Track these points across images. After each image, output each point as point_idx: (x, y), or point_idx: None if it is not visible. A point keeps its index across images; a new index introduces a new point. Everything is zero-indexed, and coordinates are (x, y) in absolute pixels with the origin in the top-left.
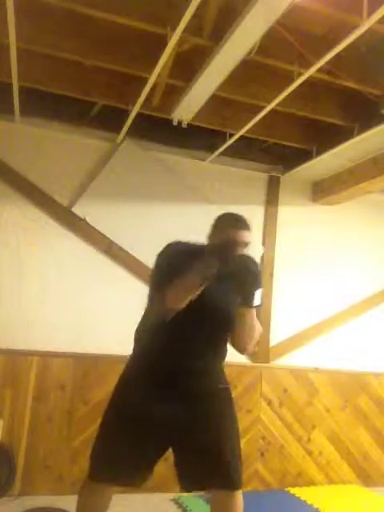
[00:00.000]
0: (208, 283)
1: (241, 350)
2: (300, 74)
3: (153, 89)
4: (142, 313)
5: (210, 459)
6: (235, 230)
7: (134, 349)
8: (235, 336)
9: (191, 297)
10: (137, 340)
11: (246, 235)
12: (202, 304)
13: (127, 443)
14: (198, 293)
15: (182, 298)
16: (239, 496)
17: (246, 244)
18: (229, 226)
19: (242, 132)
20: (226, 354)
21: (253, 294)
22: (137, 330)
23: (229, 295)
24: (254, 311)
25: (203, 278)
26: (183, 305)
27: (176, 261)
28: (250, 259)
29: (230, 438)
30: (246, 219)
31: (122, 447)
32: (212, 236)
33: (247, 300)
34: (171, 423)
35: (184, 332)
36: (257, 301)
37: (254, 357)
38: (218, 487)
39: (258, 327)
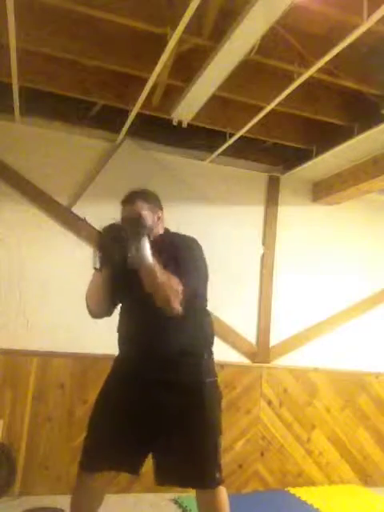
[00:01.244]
0: (104, 270)
1: (167, 311)
2: (300, 74)
3: (153, 89)
4: None
5: (181, 457)
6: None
7: None
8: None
9: (99, 292)
10: None
11: (127, 210)
12: (130, 291)
13: (107, 429)
14: (104, 285)
15: (90, 300)
16: (219, 493)
17: (130, 219)
18: (122, 201)
19: (242, 132)
20: (192, 334)
21: (131, 253)
22: None
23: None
24: (146, 268)
25: (100, 270)
26: (95, 306)
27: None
28: (110, 228)
29: (203, 436)
30: (133, 192)
31: (103, 433)
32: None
33: (132, 264)
34: (147, 413)
35: (131, 321)
36: (141, 258)
37: (254, 357)
38: (194, 488)
39: (167, 285)
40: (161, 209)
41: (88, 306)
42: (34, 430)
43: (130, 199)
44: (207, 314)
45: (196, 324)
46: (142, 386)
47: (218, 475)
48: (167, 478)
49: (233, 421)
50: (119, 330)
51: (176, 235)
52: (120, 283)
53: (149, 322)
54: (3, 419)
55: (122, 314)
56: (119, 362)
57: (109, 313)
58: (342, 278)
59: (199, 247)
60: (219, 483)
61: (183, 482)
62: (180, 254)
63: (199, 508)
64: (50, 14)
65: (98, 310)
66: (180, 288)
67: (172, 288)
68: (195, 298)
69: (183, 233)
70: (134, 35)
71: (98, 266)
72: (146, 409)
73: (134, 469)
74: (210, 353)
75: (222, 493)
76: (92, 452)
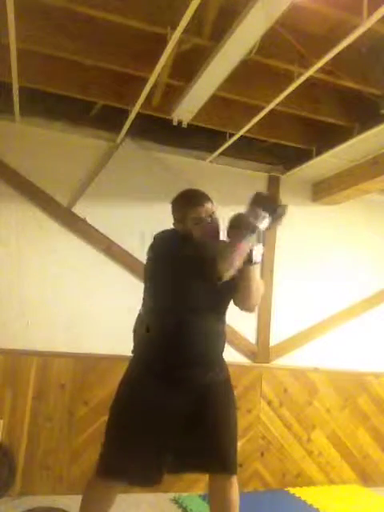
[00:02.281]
0: (253, 236)
1: (247, 306)
2: (300, 74)
3: (153, 89)
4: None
5: (211, 445)
6: (202, 207)
7: (136, 343)
8: (242, 296)
9: (243, 256)
10: (139, 334)
11: (206, 210)
12: (200, 292)
13: (140, 440)
14: (247, 251)
15: (233, 264)
16: (236, 481)
17: (211, 216)
18: (194, 203)
19: (242, 132)
20: (225, 337)
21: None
22: (137, 322)
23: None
24: (256, 267)
25: (252, 230)
26: (232, 272)
27: (177, 252)
28: (239, 216)
29: (230, 426)
30: (201, 192)
31: (136, 444)
32: (178, 221)
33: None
34: (180, 417)
35: (190, 323)
36: (257, 257)
37: (254, 357)
38: (216, 471)
39: (262, 284)
40: None
41: (226, 268)
42: (34, 429)
43: (205, 198)
44: None
45: (224, 326)
46: (187, 391)
47: (237, 463)
48: (191, 464)
49: None
50: (161, 333)
51: None
52: (193, 281)
53: (207, 328)
54: (3, 419)
55: (169, 317)
56: (157, 367)
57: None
58: (342, 278)
59: None
60: (237, 471)
61: (212, 465)
62: None
63: (214, 496)
64: (49, 14)
65: (230, 272)
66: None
67: (259, 291)
68: None
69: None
70: (134, 35)
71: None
72: (186, 414)
73: (156, 483)
74: None
75: (237, 482)
76: (118, 463)
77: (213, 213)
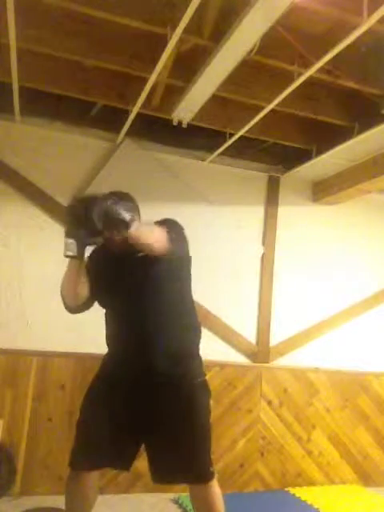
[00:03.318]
0: (77, 258)
1: (152, 250)
2: (300, 74)
3: (153, 89)
4: None
5: (175, 456)
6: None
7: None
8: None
9: (76, 281)
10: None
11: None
12: (115, 288)
13: (95, 428)
14: (81, 274)
15: (65, 293)
16: (212, 487)
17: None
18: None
19: (242, 132)
20: (188, 330)
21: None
22: None
23: (130, 262)
24: (133, 232)
25: (70, 256)
26: (71, 299)
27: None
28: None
29: (193, 432)
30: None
31: (91, 432)
32: None
33: (118, 230)
34: (136, 413)
35: (121, 321)
36: (124, 221)
37: (254, 357)
38: (188, 483)
39: (150, 233)
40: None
41: (64, 299)
42: (34, 429)
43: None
44: (194, 314)
45: (184, 325)
46: (133, 386)
47: (210, 469)
48: (162, 476)
49: (233, 421)
50: (108, 329)
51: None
52: (106, 278)
53: (140, 323)
54: (3, 419)
55: (109, 314)
56: (108, 363)
57: (87, 306)
58: (342, 278)
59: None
60: (212, 477)
61: (178, 478)
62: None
63: (194, 503)
64: (49, 13)
65: (75, 303)
66: (164, 235)
67: (155, 235)
68: (179, 281)
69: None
70: (134, 35)
71: (71, 253)
72: (137, 409)
73: (125, 465)
74: (198, 353)
75: (215, 486)
76: (80, 451)
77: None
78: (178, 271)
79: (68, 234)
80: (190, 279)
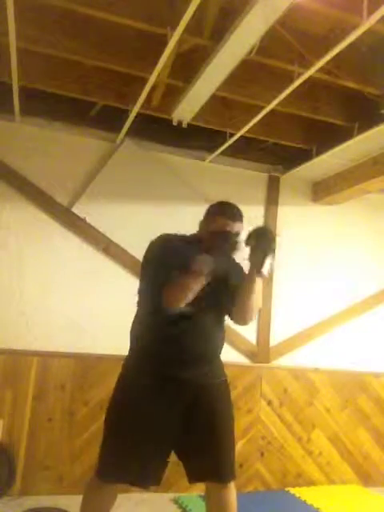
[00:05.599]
0: (209, 280)
1: (245, 321)
2: (300, 74)
3: (153, 89)
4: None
5: (209, 453)
6: (226, 220)
7: (133, 346)
8: (240, 308)
9: (192, 296)
10: (136, 336)
11: (237, 226)
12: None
13: (138, 441)
14: (198, 290)
15: (181, 298)
16: (233, 487)
17: (237, 234)
18: (220, 215)
19: (242, 132)
20: (224, 341)
21: (261, 263)
22: (133, 325)
23: (225, 280)
24: (261, 280)
25: (205, 277)
26: (183, 304)
27: (173, 256)
28: (261, 229)
29: (227, 432)
30: (238, 209)
31: (133, 445)
32: (203, 223)
33: (256, 268)
34: (178, 419)
35: (183, 325)
36: (265, 270)
37: (254, 357)
38: (214, 480)
39: (260, 297)
40: None
41: (172, 302)
42: (34, 429)
43: (238, 216)
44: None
45: (223, 328)
46: (183, 392)
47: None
48: (202, 475)
49: None
50: (158, 335)
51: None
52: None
53: (205, 330)
54: (3, 419)
55: (168, 321)
56: (155, 368)
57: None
58: (342, 278)
59: None
60: (236, 477)
61: (214, 475)
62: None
63: (213, 501)
64: (49, 14)
65: (175, 308)
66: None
67: (258, 306)
68: None
69: (183, 233)
70: (134, 35)
71: (209, 267)
72: (183, 415)
73: (156, 483)
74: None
75: (234, 487)
76: (116, 464)
77: (237, 233)
78: None
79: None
80: None
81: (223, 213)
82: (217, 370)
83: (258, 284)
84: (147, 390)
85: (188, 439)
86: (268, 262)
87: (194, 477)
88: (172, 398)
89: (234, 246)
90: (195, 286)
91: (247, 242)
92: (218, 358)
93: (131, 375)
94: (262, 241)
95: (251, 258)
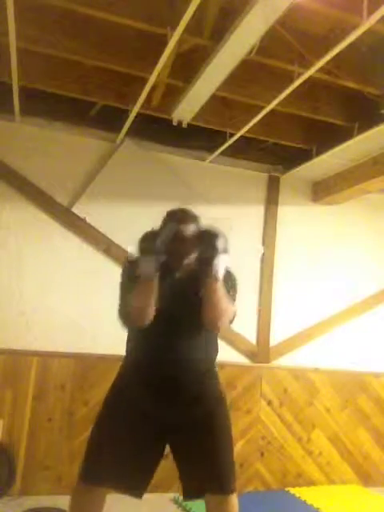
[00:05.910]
0: (155, 277)
1: (212, 325)
2: (300, 74)
3: (153, 89)
4: None
5: (205, 465)
6: (168, 221)
7: (125, 351)
8: (204, 314)
9: (150, 299)
10: (126, 342)
11: (185, 228)
12: (170, 301)
13: (120, 446)
14: (154, 292)
15: (142, 307)
16: (233, 499)
17: (171, 231)
18: (169, 219)
19: (242, 132)
20: (215, 348)
21: (211, 265)
22: (128, 335)
23: (193, 282)
24: (216, 283)
25: (148, 276)
26: (147, 313)
27: (130, 279)
28: (204, 232)
29: (223, 442)
30: (184, 211)
31: (115, 449)
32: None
33: (206, 272)
34: (164, 428)
35: (162, 332)
36: (217, 271)
37: (253, 357)
38: (212, 492)
39: (225, 302)
40: None
41: (133, 317)
42: (33, 430)
43: (190, 219)
44: None
45: (212, 337)
46: (169, 401)
47: (235, 480)
48: (198, 490)
49: (233, 421)
50: (142, 341)
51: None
52: (164, 295)
53: (183, 337)
54: (3, 419)
55: (149, 329)
56: (140, 375)
57: (148, 322)
58: (342, 278)
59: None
60: (236, 488)
61: (213, 489)
62: (228, 280)
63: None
64: (50, 14)
65: (144, 321)
66: (232, 310)
67: (228, 308)
68: None
69: None
70: (134, 35)
71: (150, 272)
72: (170, 424)
73: (140, 493)
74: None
75: (236, 499)
76: (97, 467)
77: (171, 231)
78: None
79: (146, 252)
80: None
81: (167, 215)
82: (206, 377)
83: (215, 287)
84: (133, 397)
85: (184, 450)
86: (217, 262)
87: (193, 492)
88: (157, 407)
89: (165, 242)
90: (146, 290)
91: (197, 247)
92: (206, 366)
93: (121, 381)
94: (206, 243)
95: (200, 262)
